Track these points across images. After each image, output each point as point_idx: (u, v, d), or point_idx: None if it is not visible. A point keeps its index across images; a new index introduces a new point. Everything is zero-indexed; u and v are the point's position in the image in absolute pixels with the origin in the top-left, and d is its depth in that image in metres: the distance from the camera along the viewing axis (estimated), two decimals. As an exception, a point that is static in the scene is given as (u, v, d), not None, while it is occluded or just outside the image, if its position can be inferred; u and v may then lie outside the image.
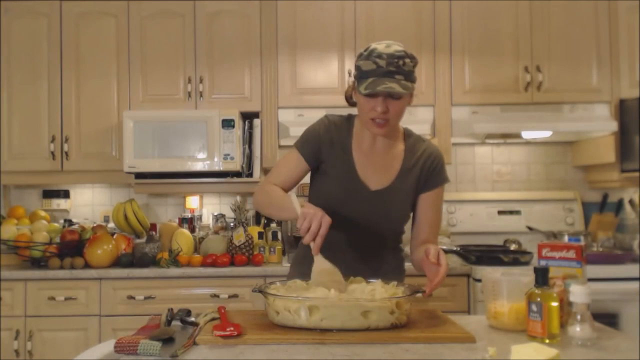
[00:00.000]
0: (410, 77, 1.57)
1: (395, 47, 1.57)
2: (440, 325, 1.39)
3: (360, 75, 1.58)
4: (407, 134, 1.77)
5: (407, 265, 1.83)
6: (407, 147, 1.74)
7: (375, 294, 1.41)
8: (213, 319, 1.46)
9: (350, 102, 1.74)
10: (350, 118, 1.76)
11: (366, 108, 1.60)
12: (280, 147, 3.14)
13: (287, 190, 1.71)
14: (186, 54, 3.13)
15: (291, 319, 1.33)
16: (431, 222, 1.76)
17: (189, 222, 3.25)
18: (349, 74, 3.07)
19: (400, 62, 1.54)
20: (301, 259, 1.79)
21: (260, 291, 1.42)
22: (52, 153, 3.12)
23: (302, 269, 1.63)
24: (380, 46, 1.57)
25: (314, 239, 1.44)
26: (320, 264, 1.48)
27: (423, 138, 1.79)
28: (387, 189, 1.69)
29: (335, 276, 1.47)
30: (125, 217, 3.13)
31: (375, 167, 1.71)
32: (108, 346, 1.48)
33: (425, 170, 1.72)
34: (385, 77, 1.54)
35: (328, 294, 1.38)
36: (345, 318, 1.30)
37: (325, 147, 1.70)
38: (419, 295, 1.43)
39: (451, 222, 3.33)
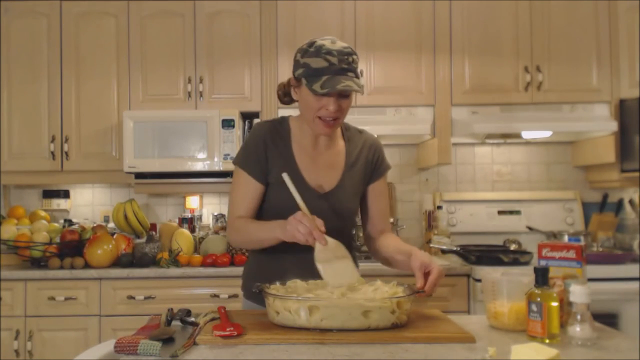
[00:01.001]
0: (357, 74, 1.56)
1: (341, 43, 1.55)
2: (440, 325, 1.39)
3: (310, 72, 1.52)
4: (345, 127, 1.76)
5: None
6: (347, 141, 1.73)
7: (377, 294, 1.41)
8: (213, 319, 1.46)
9: (284, 101, 1.70)
10: (283, 121, 1.72)
11: (315, 107, 1.56)
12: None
13: (253, 214, 1.67)
14: (186, 54, 3.13)
15: (291, 319, 1.33)
16: (384, 210, 1.77)
17: (189, 222, 3.25)
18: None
19: (350, 59, 1.52)
20: (255, 271, 1.75)
21: (260, 291, 1.41)
22: (52, 153, 3.12)
23: (255, 279, 1.58)
24: (326, 42, 1.54)
25: (312, 238, 1.42)
26: (321, 243, 1.44)
27: (359, 129, 1.78)
28: (336, 188, 1.67)
29: (338, 251, 1.46)
30: (125, 217, 3.13)
31: (321, 167, 1.68)
32: (108, 346, 1.48)
33: (370, 162, 1.73)
34: (339, 74, 1.51)
35: (329, 295, 1.38)
36: (346, 318, 1.30)
37: (268, 158, 1.65)
38: (419, 294, 1.44)
39: (451, 222, 3.33)
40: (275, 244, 1.55)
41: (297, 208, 1.51)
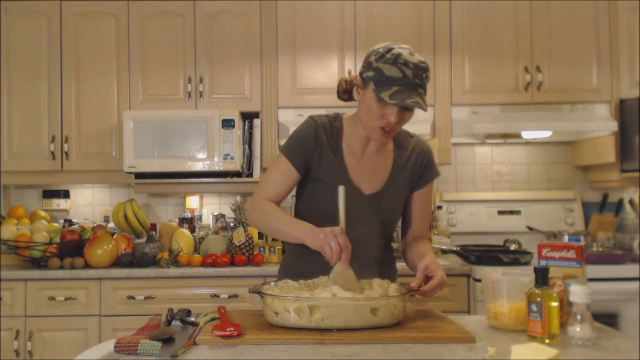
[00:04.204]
0: (426, 90, 1.52)
1: (418, 57, 1.50)
2: (440, 325, 1.39)
3: (382, 79, 1.48)
4: None
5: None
6: (396, 145, 1.71)
7: (382, 291, 1.42)
8: (213, 319, 1.46)
9: (343, 98, 1.67)
10: (337, 118, 1.69)
11: (377, 114, 1.52)
12: (280, 147, 3.14)
13: (280, 200, 1.65)
14: (186, 54, 3.13)
15: (292, 319, 1.33)
16: (424, 217, 1.76)
17: (189, 222, 3.25)
18: (349, 73, 3.07)
19: (424, 75, 1.49)
20: (291, 266, 1.73)
21: (257, 292, 1.41)
22: (52, 153, 3.12)
23: (294, 276, 1.58)
24: (404, 52, 1.49)
25: (339, 258, 1.42)
26: (344, 268, 1.44)
27: (410, 133, 1.75)
28: (381, 192, 1.66)
29: (351, 284, 1.43)
30: (125, 217, 3.13)
31: (367, 169, 1.66)
32: (108, 346, 1.49)
33: (417, 168, 1.71)
34: (411, 89, 1.47)
35: (331, 294, 1.38)
36: (351, 317, 1.30)
37: (316, 152, 1.63)
38: (417, 291, 1.46)
39: (451, 222, 3.33)
40: (295, 242, 1.54)
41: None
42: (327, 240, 1.42)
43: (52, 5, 3.15)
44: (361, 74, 1.57)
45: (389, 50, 1.51)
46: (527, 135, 3.10)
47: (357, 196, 1.63)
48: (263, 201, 1.63)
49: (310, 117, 1.69)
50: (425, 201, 1.75)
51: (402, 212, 1.74)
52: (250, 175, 3.09)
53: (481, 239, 3.29)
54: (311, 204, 1.67)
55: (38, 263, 2.91)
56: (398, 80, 1.47)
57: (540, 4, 3.09)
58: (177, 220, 3.31)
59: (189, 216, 3.30)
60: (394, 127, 1.55)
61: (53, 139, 3.12)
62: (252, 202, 1.67)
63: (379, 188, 1.66)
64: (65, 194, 3.47)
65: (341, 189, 1.50)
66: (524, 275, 1.40)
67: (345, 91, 1.66)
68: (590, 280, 1.49)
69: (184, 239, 2.99)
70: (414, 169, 1.70)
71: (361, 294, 1.43)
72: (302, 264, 1.67)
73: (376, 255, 1.69)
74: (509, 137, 3.22)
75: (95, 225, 3.15)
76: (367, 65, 1.55)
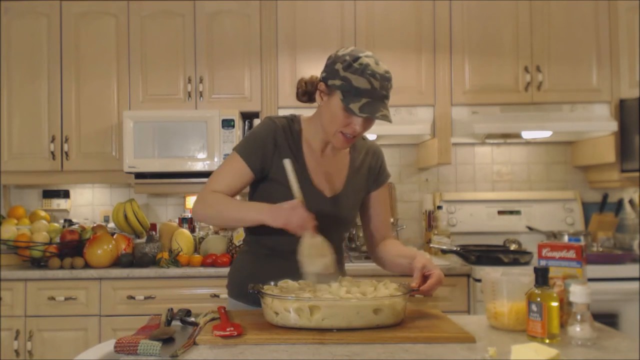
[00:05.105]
0: (389, 99, 1.53)
1: (383, 66, 1.51)
2: (440, 325, 1.39)
3: (350, 90, 1.48)
4: None
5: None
6: (351, 147, 1.71)
7: (383, 291, 1.42)
8: (213, 319, 1.46)
9: (302, 99, 1.66)
10: (295, 119, 1.68)
11: (342, 122, 1.52)
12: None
13: (233, 196, 1.62)
14: (186, 54, 3.13)
15: (292, 319, 1.32)
16: (386, 217, 1.78)
17: (189, 222, 3.25)
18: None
19: (389, 85, 1.51)
20: (248, 271, 1.69)
21: (258, 292, 1.41)
22: (52, 153, 3.12)
23: (247, 280, 1.54)
24: (370, 61, 1.49)
25: (304, 229, 1.45)
26: (309, 237, 1.46)
27: (362, 136, 1.75)
28: (340, 194, 1.66)
29: (323, 250, 1.47)
30: (125, 217, 3.13)
31: (326, 172, 1.66)
32: (108, 346, 1.49)
33: (373, 169, 1.73)
34: (379, 101, 1.49)
35: (334, 295, 1.38)
36: (353, 317, 1.30)
37: (275, 155, 1.60)
38: (417, 291, 1.46)
39: (451, 222, 3.33)
40: (253, 225, 1.55)
41: None
42: (289, 214, 1.44)
43: (52, 5, 3.15)
44: (325, 79, 1.55)
45: (356, 59, 1.50)
46: (527, 135, 3.10)
47: (319, 198, 1.62)
48: (209, 194, 1.60)
49: (269, 118, 1.67)
50: (383, 201, 1.78)
51: (357, 213, 1.77)
52: (250, 175, 3.09)
53: (481, 239, 3.29)
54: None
55: (38, 263, 2.91)
56: (367, 92, 1.47)
57: (540, 4, 3.09)
58: (177, 220, 3.31)
59: (189, 216, 3.30)
60: (357, 135, 1.56)
61: (53, 139, 3.12)
62: (199, 196, 1.63)
63: (339, 190, 1.67)
64: (65, 194, 3.47)
65: (287, 162, 1.51)
66: (524, 275, 1.40)
67: (305, 93, 1.65)
68: (590, 280, 1.49)
69: (184, 239, 2.99)
70: (369, 170, 1.73)
71: (333, 257, 1.47)
72: (261, 268, 1.65)
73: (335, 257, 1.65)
74: (509, 137, 3.21)
75: (95, 225, 3.15)
76: (332, 72, 1.53)
